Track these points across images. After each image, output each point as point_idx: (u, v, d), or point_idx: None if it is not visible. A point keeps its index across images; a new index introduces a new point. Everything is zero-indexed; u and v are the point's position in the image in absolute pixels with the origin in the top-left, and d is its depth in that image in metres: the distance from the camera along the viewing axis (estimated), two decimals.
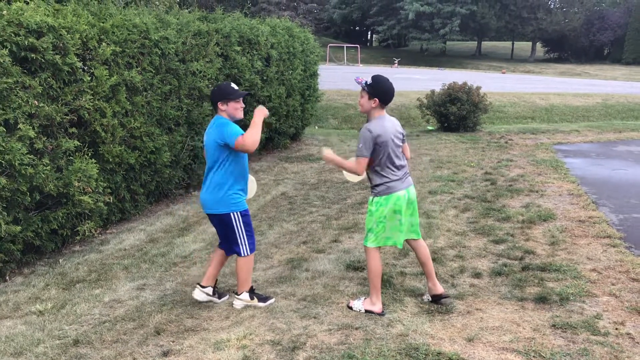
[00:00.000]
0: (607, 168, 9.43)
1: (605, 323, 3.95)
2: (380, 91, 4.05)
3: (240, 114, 4.24)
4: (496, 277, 4.80)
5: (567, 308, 4.18)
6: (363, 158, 4.04)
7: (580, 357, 3.50)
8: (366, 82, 4.09)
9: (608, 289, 4.50)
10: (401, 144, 4.19)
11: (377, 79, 4.09)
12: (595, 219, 6.27)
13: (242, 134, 4.07)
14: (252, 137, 4.07)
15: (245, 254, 4.29)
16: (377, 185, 4.13)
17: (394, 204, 4.08)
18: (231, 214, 4.20)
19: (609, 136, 13.43)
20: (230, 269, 5.07)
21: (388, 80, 4.11)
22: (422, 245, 4.34)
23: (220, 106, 4.19)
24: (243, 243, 4.26)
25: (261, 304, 4.35)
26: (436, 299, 4.28)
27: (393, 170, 4.10)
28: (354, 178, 4.49)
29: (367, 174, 4.21)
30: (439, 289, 4.28)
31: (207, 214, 4.33)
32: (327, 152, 4.23)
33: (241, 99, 4.23)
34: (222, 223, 4.26)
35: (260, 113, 4.19)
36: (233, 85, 4.24)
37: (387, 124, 4.07)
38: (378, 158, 4.06)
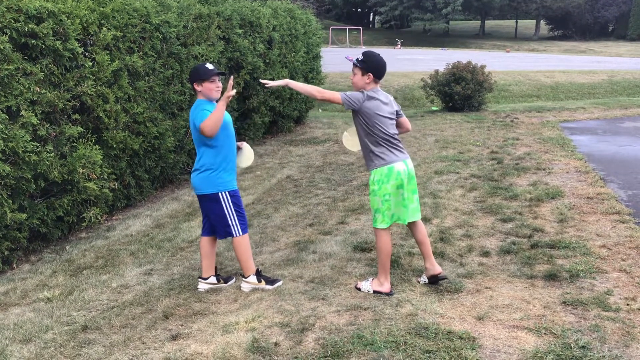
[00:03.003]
0: (614, 144, 9.36)
1: (616, 299, 3.92)
2: (373, 65, 4.02)
3: (216, 94, 4.19)
4: (505, 256, 4.77)
5: (578, 285, 4.15)
6: (339, 96, 3.98)
7: (592, 334, 3.48)
8: (357, 58, 4.06)
9: (618, 265, 4.47)
10: (394, 118, 4.15)
11: (368, 53, 4.08)
12: (604, 196, 6.22)
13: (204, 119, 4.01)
14: (207, 122, 3.95)
15: (238, 234, 4.27)
16: (372, 157, 4.08)
17: (395, 179, 4.04)
18: (219, 194, 4.17)
19: (616, 113, 13.32)
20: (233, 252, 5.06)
21: (379, 54, 4.09)
22: (420, 224, 4.29)
23: (196, 87, 4.16)
24: (234, 223, 4.24)
25: (269, 287, 4.33)
26: (433, 279, 4.23)
27: (389, 141, 4.05)
28: (353, 147, 4.44)
29: (363, 146, 4.16)
30: (437, 269, 4.21)
31: (197, 196, 4.32)
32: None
33: (217, 78, 4.18)
34: (211, 203, 4.23)
35: (223, 99, 4.02)
36: (208, 65, 4.18)
37: (382, 98, 4.06)
38: (374, 129, 4.02)
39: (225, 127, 4.18)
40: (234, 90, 4.10)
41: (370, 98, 3.99)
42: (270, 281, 4.38)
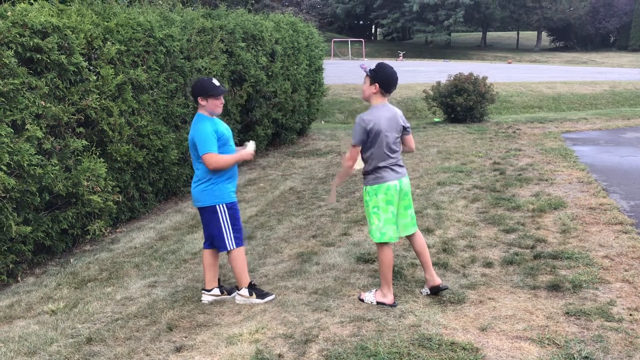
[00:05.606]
0: (617, 155, 9.36)
1: (619, 309, 3.93)
2: (381, 76, 4.03)
3: (219, 110, 4.23)
4: (508, 266, 4.77)
5: (580, 295, 4.15)
6: (354, 147, 4.06)
7: (595, 344, 3.48)
8: (370, 68, 4.09)
9: (621, 275, 4.47)
10: (398, 135, 4.12)
11: (380, 65, 4.11)
12: (606, 206, 6.23)
13: (212, 152, 4.06)
14: (220, 163, 4.11)
15: (231, 248, 4.28)
16: (367, 174, 4.12)
17: (385, 194, 4.05)
18: (217, 206, 4.20)
19: (618, 123, 13.34)
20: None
21: (392, 68, 4.10)
22: (418, 235, 4.30)
23: (201, 101, 4.18)
24: (228, 237, 4.25)
25: (258, 301, 4.32)
26: (435, 290, 4.24)
27: (384, 160, 4.06)
28: (358, 165, 4.45)
29: (363, 160, 4.18)
30: (436, 280, 4.23)
31: (197, 208, 4.35)
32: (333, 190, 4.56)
33: (222, 95, 4.23)
34: (208, 215, 4.26)
35: (245, 156, 4.28)
36: (215, 81, 4.21)
37: (384, 114, 4.05)
38: (372, 147, 4.04)
39: (225, 144, 4.23)
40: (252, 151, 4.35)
41: (371, 128, 3.98)
42: (260, 295, 4.36)
